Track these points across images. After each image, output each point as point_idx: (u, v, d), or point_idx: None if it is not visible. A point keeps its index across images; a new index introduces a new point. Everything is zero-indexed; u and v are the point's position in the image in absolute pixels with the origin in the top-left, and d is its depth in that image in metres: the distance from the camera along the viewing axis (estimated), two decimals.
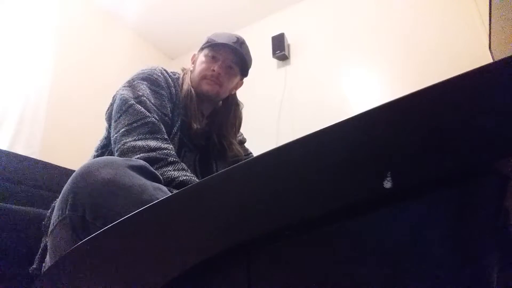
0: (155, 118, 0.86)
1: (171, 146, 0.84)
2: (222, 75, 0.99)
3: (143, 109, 0.85)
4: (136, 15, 2.64)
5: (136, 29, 2.81)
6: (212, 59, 1.00)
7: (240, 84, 1.11)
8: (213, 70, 0.98)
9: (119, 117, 0.85)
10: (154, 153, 0.78)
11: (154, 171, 0.70)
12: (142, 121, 0.83)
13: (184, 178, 0.76)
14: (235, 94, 1.11)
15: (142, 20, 2.72)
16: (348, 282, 0.31)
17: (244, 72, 1.06)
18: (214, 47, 1.00)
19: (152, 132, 0.82)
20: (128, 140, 0.80)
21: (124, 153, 0.79)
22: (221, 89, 1.01)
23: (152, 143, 0.80)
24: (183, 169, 0.79)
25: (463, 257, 0.29)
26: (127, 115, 0.84)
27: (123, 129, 0.82)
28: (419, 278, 0.29)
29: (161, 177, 0.71)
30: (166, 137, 0.86)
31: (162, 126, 0.87)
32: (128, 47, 2.72)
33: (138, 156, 0.76)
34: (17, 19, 1.93)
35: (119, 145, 0.81)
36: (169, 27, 2.81)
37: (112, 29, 2.65)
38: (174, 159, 0.80)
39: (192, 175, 0.80)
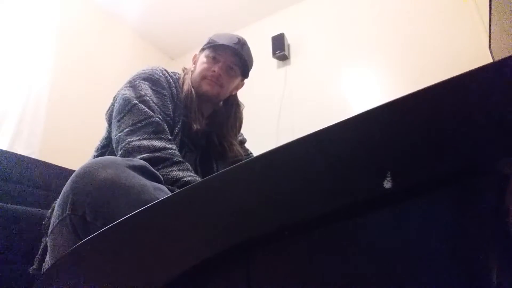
0: (159, 118, 0.86)
1: (175, 146, 0.85)
2: (223, 76, 0.99)
3: (147, 109, 0.85)
4: (136, 15, 2.65)
5: (136, 29, 2.81)
6: (213, 60, 1.00)
7: (241, 85, 1.11)
8: (214, 71, 0.98)
9: (122, 117, 0.85)
10: (159, 153, 0.78)
11: (155, 171, 0.70)
12: (146, 121, 0.83)
13: (189, 178, 0.77)
14: (235, 94, 1.11)
15: (142, 20, 2.72)
16: (348, 282, 0.31)
17: (245, 73, 1.06)
18: (215, 48, 1.00)
19: (156, 132, 0.83)
20: (132, 139, 0.80)
21: (128, 152, 0.79)
22: (222, 90, 1.01)
23: (157, 143, 0.80)
24: (188, 169, 0.80)
25: (463, 256, 0.29)
26: (131, 115, 0.84)
27: (127, 129, 0.82)
28: (419, 278, 0.29)
29: (161, 177, 0.71)
30: (170, 137, 0.86)
31: (166, 126, 0.87)
32: (128, 47, 2.72)
33: (143, 155, 0.76)
34: (17, 19, 1.93)
35: (123, 144, 0.80)
36: (169, 27, 2.81)
37: (112, 29, 2.65)
38: (179, 159, 0.80)
39: (196, 175, 0.80)
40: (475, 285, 0.28)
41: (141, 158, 0.75)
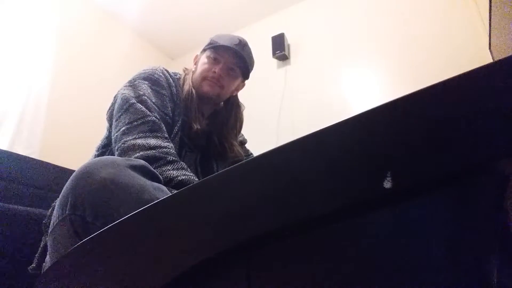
0: (156, 117, 0.86)
1: (171, 144, 0.84)
2: (223, 77, 0.99)
3: (143, 108, 0.85)
4: (136, 15, 2.64)
5: (136, 29, 2.81)
6: (214, 61, 1.00)
7: (241, 86, 1.11)
8: (214, 72, 0.99)
9: (120, 116, 0.86)
10: (153, 151, 0.78)
11: (155, 171, 0.69)
12: (142, 120, 0.83)
13: (184, 177, 0.76)
14: (236, 95, 1.12)
15: (142, 20, 2.72)
16: (348, 282, 0.31)
17: (245, 75, 1.06)
18: (216, 49, 1.00)
19: (152, 130, 0.83)
20: (128, 138, 0.80)
21: (124, 151, 0.79)
22: (222, 91, 1.01)
23: (152, 141, 0.80)
24: (182, 168, 0.79)
25: (463, 257, 0.29)
26: (128, 114, 0.84)
27: (123, 128, 0.83)
28: (419, 278, 0.29)
29: (161, 177, 0.71)
30: (167, 135, 0.86)
31: (163, 125, 0.87)
32: (128, 47, 2.72)
33: (138, 154, 0.76)
34: (17, 19, 1.93)
35: (120, 144, 0.81)
36: (169, 27, 2.81)
37: (112, 28, 2.65)
38: (174, 158, 0.80)
39: (191, 174, 0.80)
40: (475, 285, 0.28)
41: (136, 157, 0.74)
